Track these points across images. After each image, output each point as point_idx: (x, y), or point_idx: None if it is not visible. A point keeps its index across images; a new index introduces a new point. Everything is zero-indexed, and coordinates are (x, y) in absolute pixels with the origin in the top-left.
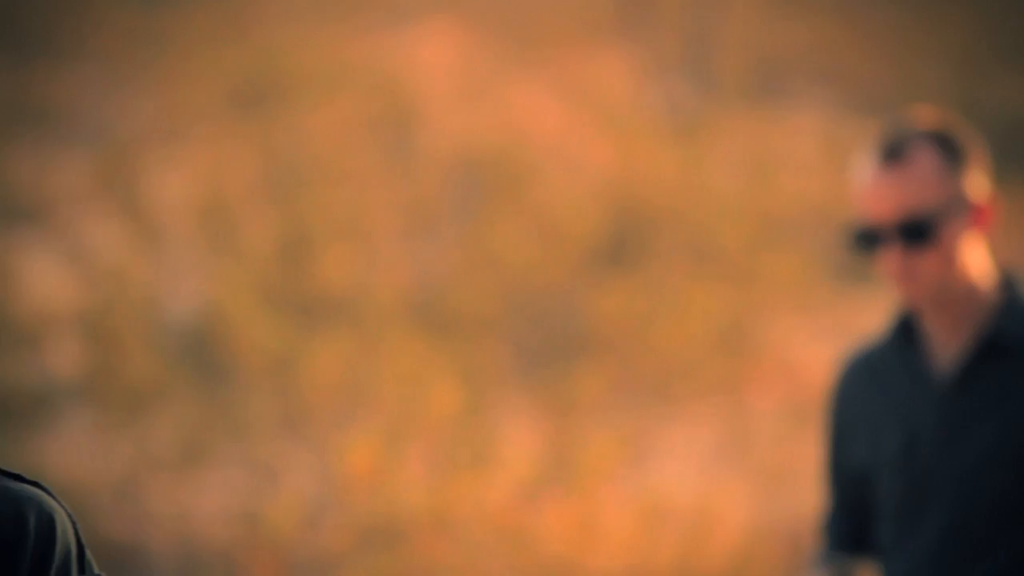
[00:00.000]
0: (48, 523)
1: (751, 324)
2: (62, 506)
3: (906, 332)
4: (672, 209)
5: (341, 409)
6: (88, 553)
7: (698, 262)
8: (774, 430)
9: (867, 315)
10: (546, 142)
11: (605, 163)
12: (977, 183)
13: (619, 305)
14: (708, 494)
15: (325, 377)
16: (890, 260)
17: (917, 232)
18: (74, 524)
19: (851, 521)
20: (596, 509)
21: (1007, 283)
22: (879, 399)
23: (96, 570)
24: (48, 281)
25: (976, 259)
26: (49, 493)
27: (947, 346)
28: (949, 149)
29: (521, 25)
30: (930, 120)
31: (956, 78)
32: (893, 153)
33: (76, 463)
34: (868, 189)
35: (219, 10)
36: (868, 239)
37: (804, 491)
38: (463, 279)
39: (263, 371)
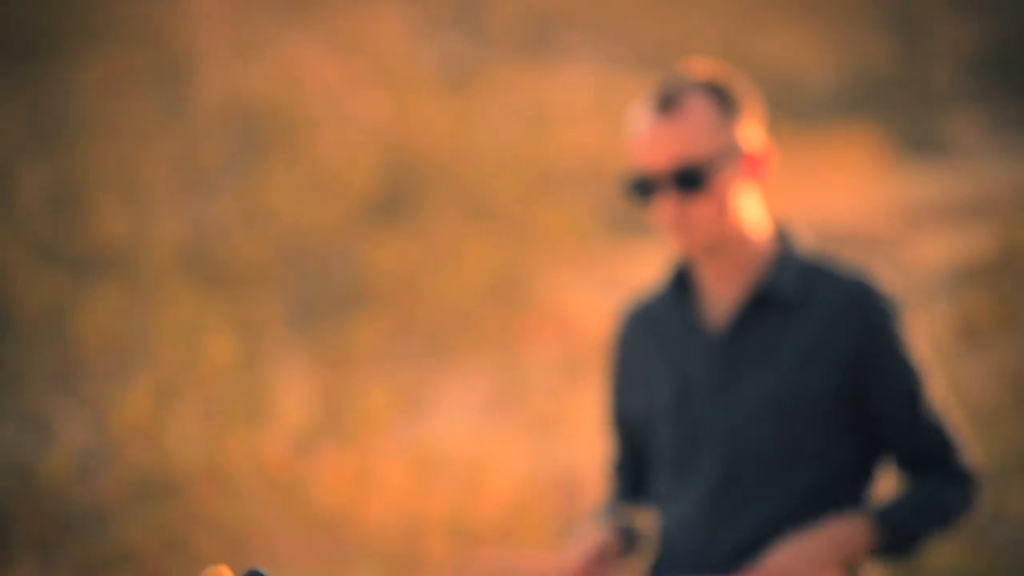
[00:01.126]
0: None
1: (526, 276)
2: None
3: (682, 283)
4: (447, 162)
5: (115, 362)
6: None
7: (473, 215)
8: (549, 381)
9: (642, 267)
10: (321, 95)
11: (379, 116)
12: (751, 134)
13: (394, 258)
14: (483, 445)
15: (99, 330)
16: (664, 209)
17: (690, 180)
18: None
19: (632, 470)
20: (371, 461)
21: (781, 234)
22: (655, 349)
23: None
24: None
25: (750, 209)
26: None
27: (721, 296)
28: (723, 99)
29: None
30: (705, 72)
31: (730, 32)
32: (667, 103)
33: None
34: (642, 138)
35: None
36: (643, 188)
37: (578, 442)
38: (238, 231)
39: (36, 324)
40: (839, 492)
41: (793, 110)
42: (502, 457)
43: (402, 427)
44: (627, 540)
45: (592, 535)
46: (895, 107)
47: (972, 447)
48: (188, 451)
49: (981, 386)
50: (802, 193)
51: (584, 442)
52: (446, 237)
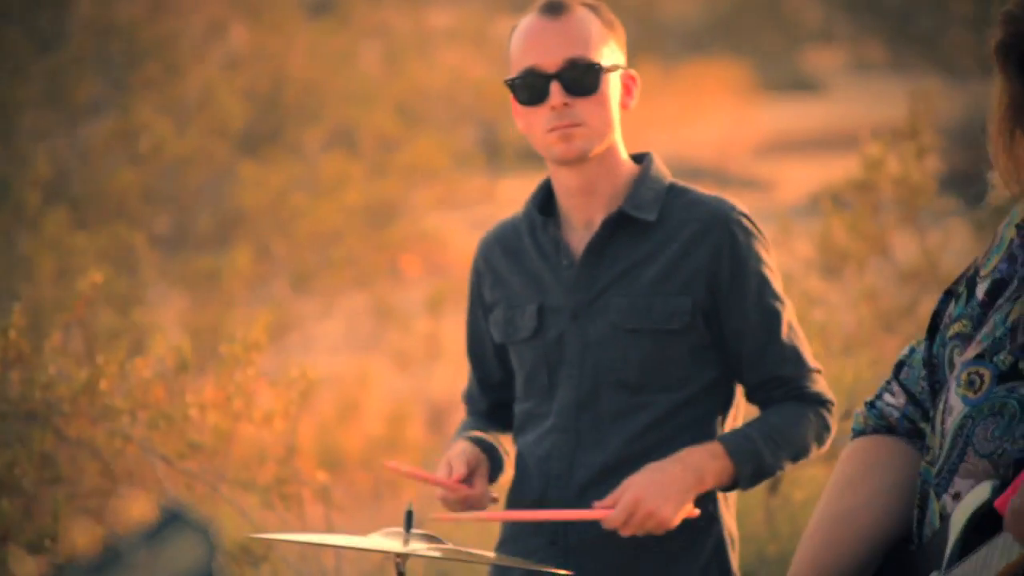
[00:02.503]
0: None
1: (396, 209)
2: None
3: (545, 207)
4: (314, 95)
5: None
6: None
7: (343, 147)
8: (419, 312)
9: (511, 200)
10: (188, 30)
11: (246, 50)
12: (622, 57)
13: (263, 189)
14: (354, 374)
15: None
16: (551, 108)
17: (581, 77)
18: None
19: (493, 395)
20: (244, 389)
21: (642, 160)
22: (516, 275)
23: None
24: None
25: (619, 130)
26: None
27: (582, 220)
28: (603, 18)
29: None
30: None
31: None
32: (555, 8)
33: None
34: (532, 39)
35: None
36: (531, 88)
37: (448, 371)
38: (108, 164)
39: None
40: (700, 416)
41: (656, 47)
42: (373, 385)
43: (275, 355)
44: (491, 463)
45: (466, 449)
46: (759, 45)
47: (825, 373)
48: (62, 379)
49: (844, 311)
50: (665, 129)
51: (454, 372)
52: (316, 169)
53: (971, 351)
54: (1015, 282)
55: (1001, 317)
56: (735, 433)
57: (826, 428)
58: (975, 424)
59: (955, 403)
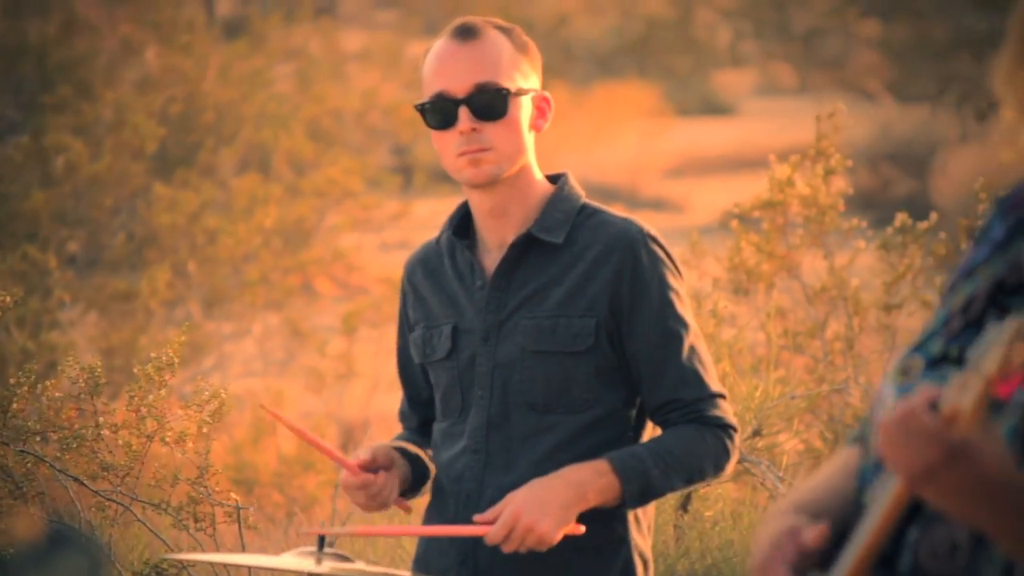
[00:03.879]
0: None
1: (310, 230)
2: None
3: (461, 229)
4: (228, 117)
5: None
6: None
7: (257, 169)
8: (331, 332)
9: (424, 222)
10: (103, 49)
11: (161, 71)
12: (536, 81)
13: (176, 210)
14: (267, 394)
15: None
16: (459, 133)
17: (490, 102)
18: None
19: (423, 412)
20: (156, 410)
21: (554, 181)
22: (435, 296)
23: None
24: None
25: (531, 153)
26: None
27: (495, 242)
28: (515, 41)
29: None
30: (492, 20)
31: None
32: (467, 33)
33: None
34: (443, 64)
35: None
36: (440, 113)
37: (359, 390)
38: (22, 182)
39: None
40: (609, 438)
41: (568, 71)
42: (286, 405)
43: (188, 376)
44: (415, 472)
45: (372, 447)
46: (670, 68)
47: (734, 392)
48: None
49: (753, 330)
50: (577, 152)
51: (367, 392)
52: (229, 191)
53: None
54: (965, 270)
55: (944, 311)
56: (624, 451)
57: (725, 452)
58: None
59: (887, 393)
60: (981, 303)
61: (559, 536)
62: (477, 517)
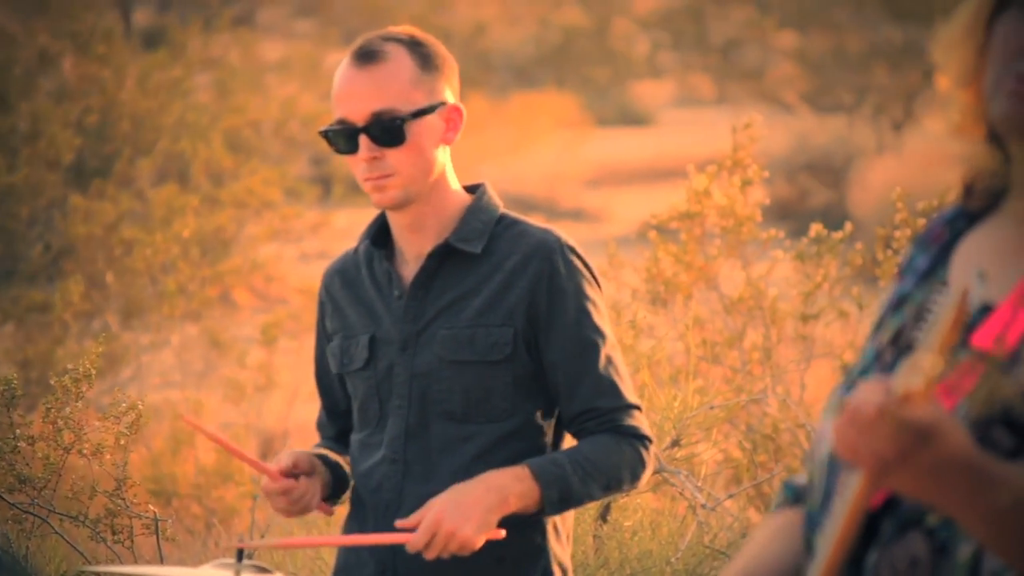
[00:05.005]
0: None
1: (228, 241)
2: None
3: (379, 239)
4: (146, 127)
5: None
6: None
7: (175, 180)
8: (250, 343)
9: (342, 233)
10: (18, 59)
11: (76, 81)
12: (448, 94)
13: (93, 222)
14: (187, 404)
15: None
16: (361, 161)
17: (386, 131)
18: None
19: (340, 422)
20: (76, 420)
21: (472, 192)
22: (353, 306)
23: None
24: None
25: (444, 167)
26: None
27: (413, 253)
28: (422, 55)
29: None
30: (404, 31)
31: (423, 8)
32: (366, 56)
33: None
34: (342, 91)
35: None
36: (342, 140)
37: (278, 401)
38: None
39: None
40: (528, 447)
41: (486, 81)
42: (205, 417)
43: (106, 387)
44: (335, 479)
45: (292, 453)
46: (588, 79)
47: (652, 402)
48: None
49: (671, 341)
50: (495, 162)
51: (286, 403)
52: (147, 201)
53: (845, 381)
54: (891, 304)
55: (874, 347)
56: (544, 458)
57: (641, 463)
58: None
59: (825, 429)
60: (910, 331)
61: (481, 541)
62: (399, 523)
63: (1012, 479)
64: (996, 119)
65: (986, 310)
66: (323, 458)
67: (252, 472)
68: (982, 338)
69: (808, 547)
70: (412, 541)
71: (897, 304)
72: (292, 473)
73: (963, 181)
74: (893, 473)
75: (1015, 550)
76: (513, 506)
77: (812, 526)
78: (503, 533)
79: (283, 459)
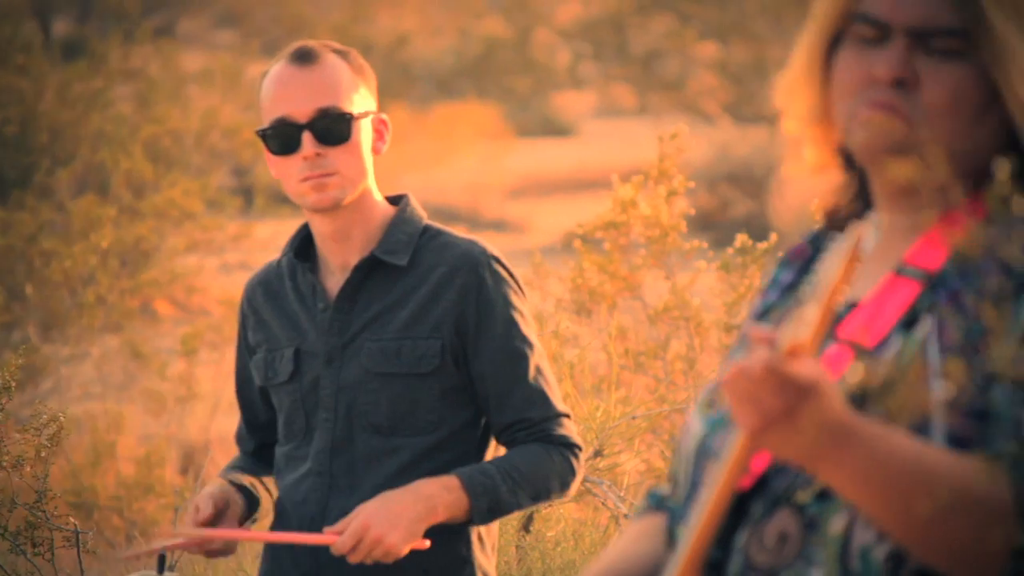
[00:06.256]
0: None
1: (149, 252)
2: None
3: (303, 252)
4: (65, 137)
5: None
6: None
7: (95, 190)
8: (171, 354)
9: (264, 244)
10: None
11: None
12: (373, 104)
13: (14, 234)
14: (107, 416)
15: None
16: (302, 158)
17: (333, 126)
18: None
19: (260, 435)
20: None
21: (395, 200)
22: (276, 319)
23: None
24: None
25: (371, 176)
26: None
27: (338, 264)
28: (352, 64)
29: None
30: (328, 43)
31: (342, 19)
32: (305, 57)
33: None
34: (283, 89)
35: None
36: (284, 139)
37: (199, 412)
38: None
39: None
40: (453, 459)
41: (407, 91)
42: (126, 428)
43: (25, 399)
44: (249, 504)
45: (214, 491)
46: (510, 89)
47: (576, 412)
48: None
49: (595, 351)
50: (417, 173)
51: (207, 414)
52: (67, 212)
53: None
54: (756, 314)
55: (741, 353)
56: (473, 467)
57: (571, 471)
58: (712, 437)
59: (694, 424)
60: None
61: (406, 550)
62: (326, 529)
63: (885, 440)
64: (855, 148)
65: (852, 307)
66: (235, 484)
67: (173, 483)
68: (849, 330)
69: (671, 541)
70: (338, 543)
71: (762, 314)
72: (214, 521)
73: (825, 209)
74: (774, 430)
75: (888, 514)
76: (441, 516)
77: (676, 520)
78: (427, 543)
79: (203, 507)
